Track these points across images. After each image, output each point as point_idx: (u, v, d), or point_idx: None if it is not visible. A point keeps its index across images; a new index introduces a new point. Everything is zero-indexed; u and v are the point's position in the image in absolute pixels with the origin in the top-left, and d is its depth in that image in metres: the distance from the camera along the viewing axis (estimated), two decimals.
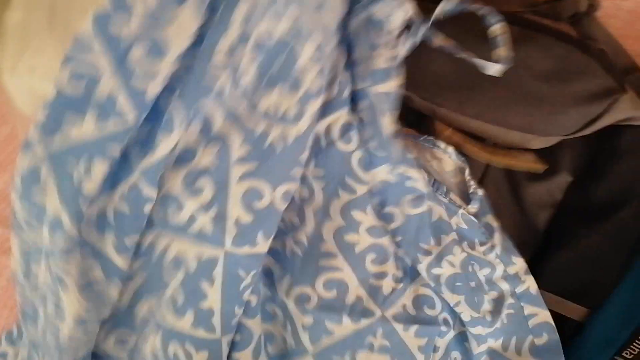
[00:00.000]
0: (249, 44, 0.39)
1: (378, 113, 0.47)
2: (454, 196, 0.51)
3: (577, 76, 0.49)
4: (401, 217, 0.49)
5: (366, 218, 0.49)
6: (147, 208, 0.40)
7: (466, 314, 0.49)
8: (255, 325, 0.49)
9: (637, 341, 0.49)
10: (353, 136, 0.48)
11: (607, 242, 0.53)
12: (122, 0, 0.36)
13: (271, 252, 0.47)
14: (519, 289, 0.51)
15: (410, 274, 0.51)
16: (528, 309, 0.51)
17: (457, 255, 0.49)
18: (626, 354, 0.49)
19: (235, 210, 0.42)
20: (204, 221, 0.42)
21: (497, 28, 0.44)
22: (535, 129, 0.52)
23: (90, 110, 0.38)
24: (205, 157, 0.41)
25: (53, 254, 0.39)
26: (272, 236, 0.44)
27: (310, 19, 0.40)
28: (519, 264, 0.52)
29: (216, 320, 0.44)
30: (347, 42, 0.46)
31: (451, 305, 0.49)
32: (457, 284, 0.49)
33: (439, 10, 0.44)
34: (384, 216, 0.50)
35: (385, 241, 0.50)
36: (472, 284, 0.50)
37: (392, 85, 0.47)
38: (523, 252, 0.54)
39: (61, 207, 0.38)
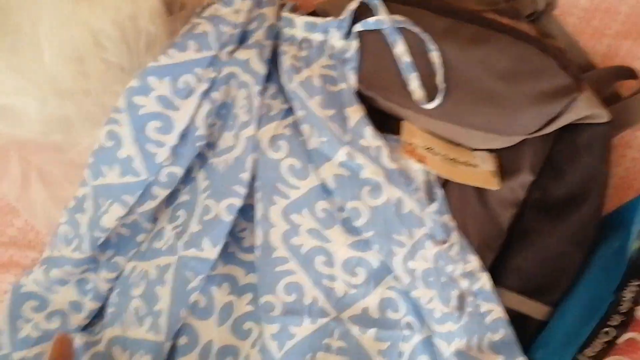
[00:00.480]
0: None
1: (305, 99, 0.51)
2: (422, 194, 0.51)
3: (536, 75, 0.49)
4: (366, 210, 0.49)
5: (304, 220, 0.51)
6: (141, 237, 0.53)
7: (438, 310, 0.49)
8: (204, 329, 0.49)
9: (597, 338, 0.49)
10: (282, 145, 0.52)
11: (567, 240, 0.53)
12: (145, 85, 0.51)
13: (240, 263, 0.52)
14: (475, 287, 0.52)
15: (375, 277, 0.50)
16: (484, 306, 0.52)
17: (429, 250, 0.49)
18: (588, 351, 0.49)
19: (193, 227, 0.50)
20: (170, 238, 0.51)
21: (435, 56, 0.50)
22: (496, 128, 0.51)
23: (116, 165, 0.50)
24: (184, 196, 0.53)
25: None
26: (220, 245, 0.49)
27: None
28: (474, 262, 0.52)
29: (162, 321, 0.48)
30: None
31: (423, 302, 0.48)
32: (430, 279, 0.49)
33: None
34: (350, 212, 0.49)
35: (330, 246, 0.50)
36: (443, 279, 0.50)
37: (304, 75, 0.52)
38: (487, 252, 0.54)
39: (86, 230, 0.51)
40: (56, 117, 0.58)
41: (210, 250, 0.49)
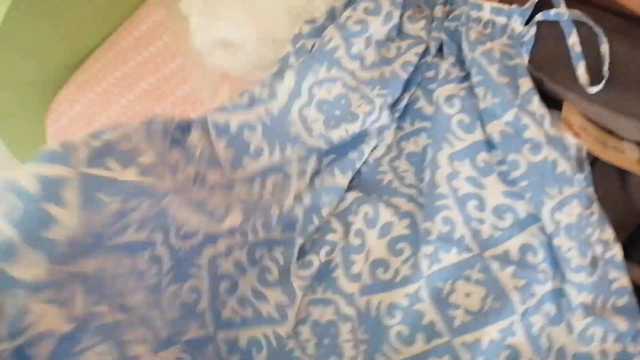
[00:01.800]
0: None
1: (485, 65, 0.59)
2: (573, 162, 0.58)
3: None
4: (525, 164, 0.57)
5: (464, 168, 0.59)
6: None
7: (574, 260, 0.55)
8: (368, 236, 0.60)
9: None
10: (456, 103, 0.61)
11: None
12: None
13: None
14: (607, 255, 0.57)
15: (520, 225, 0.58)
16: (612, 274, 0.57)
17: (574, 208, 0.56)
18: None
19: None
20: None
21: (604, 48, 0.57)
22: None
23: None
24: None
25: None
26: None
27: None
28: (610, 233, 0.58)
29: None
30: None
31: (563, 251, 0.55)
32: (572, 232, 0.55)
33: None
34: (508, 163, 0.57)
35: (484, 192, 0.59)
36: (582, 236, 0.56)
37: (490, 47, 0.60)
38: (620, 232, 0.60)
39: None
40: (264, 59, 0.71)
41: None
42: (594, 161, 0.61)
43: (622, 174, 0.61)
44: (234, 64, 0.72)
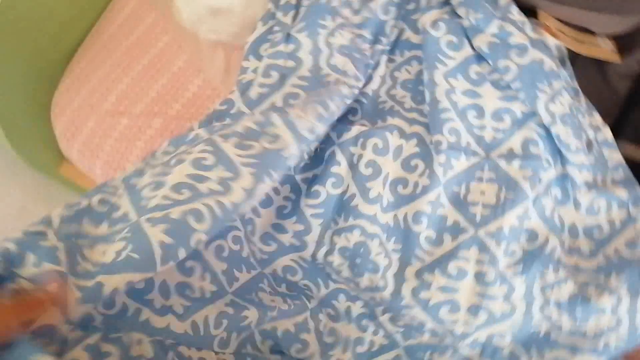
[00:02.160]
0: None
1: None
2: (556, 60, 0.64)
3: None
4: (514, 67, 0.62)
5: (459, 84, 0.65)
6: None
7: (573, 144, 0.61)
8: (384, 163, 0.65)
9: None
10: (442, 25, 0.66)
11: None
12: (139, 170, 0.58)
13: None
14: (599, 137, 0.64)
15: (519, 123, 0.63)
16: (606, 153, 0.64)
17: (566, 98, 0.62)
18: None
19: None
20: None
21: None
22: (618, 8, 0.64)
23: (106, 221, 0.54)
24: None
25: None
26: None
27: None
28: (598, 117, 0.64)
29: None
30: None
31: (561, 136, 0.61)
32: (567, 119, 0.62)
33: None
34: (499, 70, 0.63)
35: (481, 101, 0.64)
36: (576, 121, 0.62)
37: None
38: (606, 118, 0.67)
39: None
40: (251, 20, 0.75)
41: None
42: (574, 58, 0.67)
43: (600, 66, 0.67)
44: (224, 31, 0.75)
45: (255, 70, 0.69)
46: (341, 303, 0.66)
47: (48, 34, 0.82)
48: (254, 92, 0.67)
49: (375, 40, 0.70)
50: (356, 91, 0.67)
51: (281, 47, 0.69)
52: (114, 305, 0.52)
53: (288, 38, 0.69)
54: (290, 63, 0.67)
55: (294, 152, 0.58)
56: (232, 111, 0.67)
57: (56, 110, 0.81)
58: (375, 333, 0.65)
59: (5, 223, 0.93)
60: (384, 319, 0.65)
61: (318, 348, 0.62)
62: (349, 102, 0.65)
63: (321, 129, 0.61)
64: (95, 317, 0.51)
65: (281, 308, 0.62)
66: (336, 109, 0.62)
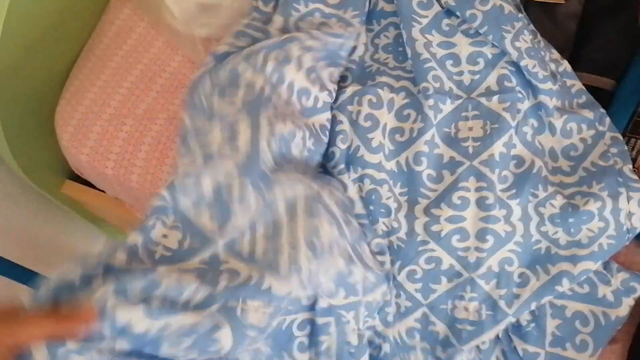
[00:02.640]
0: None
1: None
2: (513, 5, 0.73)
3: None
4: (480, 14, 0.71)
5: (434, 38, 0.74)
6: None
7: (540, 73, 0.70)
8: (381, 115, 0.72)
9: None
10: None
11: (619, 33, 0.75)
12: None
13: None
14: (560, 69, 0.73)
15: (491, 63, 0.72)
16: (569, 82, 0.74)
17: (527, 36, 0.71)
18: None
19: None
20: None
21: None
22: None
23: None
24: None
25: None
26: None
27: None
28: (556, 53, 0.74)
29: None
30: None
31: (530, 68, 0.70)
32: (531, 53, 0.71)
33: None
34: (467, 19, 0.72)
35: (456, 50, 0.73)
36: (540, 54, 0.71)
37: None
38: (562, 53, 0.76)
39: None
40: (238, 13, 0.82)
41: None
42: (527, 6, 0.77)
43: (549, 10, 0.77)
44: (215, 25, 0.82)
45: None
46: None
47: (46, 51, 0.87)
48: (221, 49, 0.72)
49: (353, 15, 0.78)
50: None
51: (257, 22, 0.76)
52: None
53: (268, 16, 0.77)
54: (260, 34, 0.74)
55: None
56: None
57: (60, 123, 0.85)
58: (397, 296, 0.71)
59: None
60: (402, 278, 0.71)
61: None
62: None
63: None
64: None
65: None
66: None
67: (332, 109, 0.74)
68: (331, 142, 0.73)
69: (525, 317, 0.69)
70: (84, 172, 0.89)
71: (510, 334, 0.69)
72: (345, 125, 0.72)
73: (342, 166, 0.71)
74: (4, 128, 0.81)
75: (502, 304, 0.68)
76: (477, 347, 0.70)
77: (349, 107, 0.72)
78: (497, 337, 0.70)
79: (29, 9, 0.78)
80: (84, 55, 0.90)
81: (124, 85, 0.85)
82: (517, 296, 0.68)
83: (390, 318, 0.71)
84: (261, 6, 0.78)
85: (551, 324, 0.68)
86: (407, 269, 0.70)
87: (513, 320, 0.68)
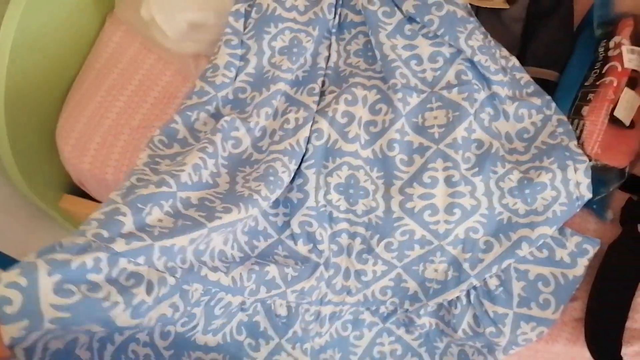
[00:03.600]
0: None
1: None
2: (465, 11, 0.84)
3: None
4: (436, 19, 0.81)
5: (398, 42, 0.84)
6: None
7: (492, 67, 0.80)
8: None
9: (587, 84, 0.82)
10: (375, 1, 0.85)
11: (559, 31, 0.86)
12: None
13: None
14: (509, 64, 0.84)
15: (450, 60, 0.82)
16: (518, 75, 0.84)
17: (479, 35, 0.81)
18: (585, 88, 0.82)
19: None
20: None
21: None
22: None
23: None
24: None
25: None
26: None
27: None
28: (505, 50, 0.84)
29: None
30: None
31: (482, 62, 0.80)
32: (483, 50, 0.81)
33: None
34: (426, 24, 0.82)
35: (418, 50, 0.83)
36: (491, 51, 0.82)
37: None
38: (512, 51, 0.87)
39: None
40: (221, 31, 0.91)
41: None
42: (477, 11, 0.88)
43: (497, 14, 0.88)
44: (203, 41, 0.91)
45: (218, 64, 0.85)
46: (343, 240, 0.80)
47: (46, 73, 0.95)
48: (218, 79, 0.83)
49: (321, 31, 0.88)
50: (290, 76, 0.84)
51: (237, 51, 0.85)
52: (185, 262, 0.66)
53: (242, 44, 0.86)
54: (241, 63, 0.85)
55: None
56: (196, 89, 0.83)
57: (62, 136, 0.93)
58: (374, 264, 0.79)
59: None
60: (380, 249, 0.79)
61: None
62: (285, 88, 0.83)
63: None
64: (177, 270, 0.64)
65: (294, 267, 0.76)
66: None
67: (314, 110, 0.82)
68: (309, 141, 0.81)
69: (493, 283, 0.78)
70: (85, 182, 0.96)
71: (480, 298, 0.78)
72: (322, 125, 0.80)
73: (312, 161, 0.80)
74: (12, 146, 0.89)
75: (466, 266, 0.77)
76: (451, 312, 0.78)
77: (327, 109, 0.81)
78: (469, 302, 0.78)
79: (32, 38, 0.86)
80: (82, 74, 0.98)
81: (120, 99, 0.93)
82: (481, 260, 0.77)
83: (364, 279, 0.79)
84: (232, 21, 0.87)
85: (517, 287, 0.77)
86: (384, 241, 0.78)
87: (475, 282, 0.77)
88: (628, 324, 0.76)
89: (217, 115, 0.82)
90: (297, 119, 0.81)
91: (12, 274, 0.52)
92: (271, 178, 0.75)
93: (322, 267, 0.77)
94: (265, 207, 0.77)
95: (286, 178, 0.77)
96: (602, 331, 0.76)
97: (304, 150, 0.80)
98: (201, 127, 0.81)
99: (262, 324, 0.76)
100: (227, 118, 0.78)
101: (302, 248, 0.78)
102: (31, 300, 0.52)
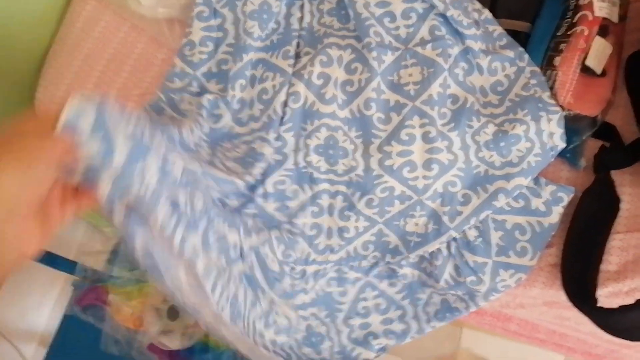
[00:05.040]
0: None
1: None
2: None
3: None
4: None
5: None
6: None
7: (464, 21, 0.81)
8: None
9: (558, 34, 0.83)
10: None
11: None
12: None
13: None
14: (482, 17, 0.85)
15: (422, 16, 0.83)
16: (490, 28, 0.85)
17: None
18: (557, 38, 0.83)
19: None
20: None
21: None
22: None
23: None
24: None
25: None
26: None
27: None
28: (477, 3, 0.85)
29: None
30: None
31: (455, 17, 0.80)
32: (455, 4, 0.81)
33: None
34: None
35: (391, 7, 0.84)
36: (462, 7, 0.82)
37: None
38: (482, 5, 0.87)
39: None
40: None
41: None
42: None
43: None
44: (175, 6, 0.91)
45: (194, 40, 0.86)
46: (324, 200, 0.82)
47: (20, 45, 0.94)
48: (195, 57, 0.85)
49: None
50: (260, 44, 0.85)
51: (211, 22, 0.86)
52: None
53: (215, 13, 0.86)
54: (220, 34, 0.85)
55: None
56: (176, 70, 0.86)
57: (42, 106, 0.93)
58: (356, 221, 0.81)
59: None
60: (361, 205, 0.81)
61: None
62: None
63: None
64: None
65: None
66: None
67: (289, 73, 0.83)
68: (287, 104, 0.82)
69: (472, 234, 0.80)
70: None
71: (460, 249, 0.80)
72: (299, 87, 0.81)
73: (290, 124, 0.81)
74: None
75: (445, 219, 0.79)
76: (433, 263, 0.81)
77: (303, 72, 0.82)
78: (450, 253, 0.81)
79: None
80: (56, 45, 0.97)
81: (97, 69, 0.92)
82: (460, 213, 0.79)
83: (347, 236, 0.82)
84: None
85: (495, 237, 0.80)
86: (365, 198, 0.80)
87: (454, 234, 0.79)
88: (602, 266, 0.79)
89: (201, 93, 0.84)
90: (274, 86, 0.81)
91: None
92: (249, 159, 0.78)
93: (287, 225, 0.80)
94: (242, 188, 0.79)
95: (267, 150, 0.79)
96: (577, 274, 0.79)
97: (282, 115, 0.81)
98: (187, 106, 0.84)
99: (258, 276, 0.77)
100: (209, 96, 0.81)
101: (270, 205, 0.80)
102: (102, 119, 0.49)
